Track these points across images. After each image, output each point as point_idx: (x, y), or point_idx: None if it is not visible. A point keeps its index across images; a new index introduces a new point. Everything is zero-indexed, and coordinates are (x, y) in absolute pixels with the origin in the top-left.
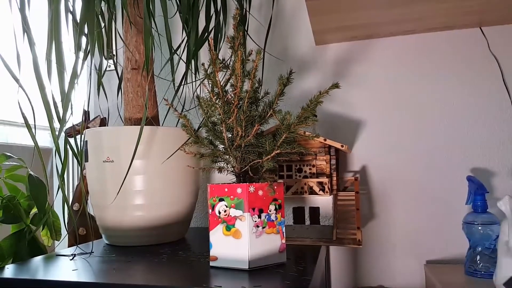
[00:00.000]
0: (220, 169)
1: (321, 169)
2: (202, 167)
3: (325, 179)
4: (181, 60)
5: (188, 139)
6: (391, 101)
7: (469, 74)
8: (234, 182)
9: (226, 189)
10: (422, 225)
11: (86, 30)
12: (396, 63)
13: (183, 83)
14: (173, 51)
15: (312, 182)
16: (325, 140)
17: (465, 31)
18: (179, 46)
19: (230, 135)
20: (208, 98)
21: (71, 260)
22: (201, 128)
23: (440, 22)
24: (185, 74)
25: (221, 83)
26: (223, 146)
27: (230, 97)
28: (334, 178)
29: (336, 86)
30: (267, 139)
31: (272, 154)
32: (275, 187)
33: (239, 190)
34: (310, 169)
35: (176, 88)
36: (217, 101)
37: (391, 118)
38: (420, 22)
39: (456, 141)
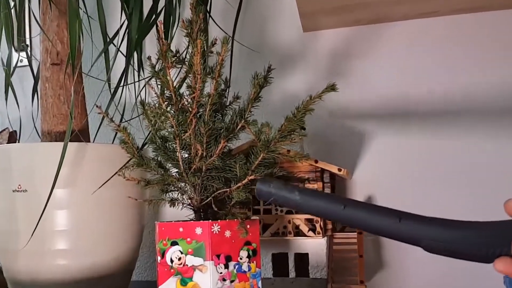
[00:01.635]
0: (172, 202)
1: None
2: (148, 199)
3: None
4: (119, 52)
5: (129, 160)
6: (406, 107)
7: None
8: (192, 220)
9: (181, 229)
10: (445, 276)
11: None
12: (411, 56)
13: (122, 84)
14: (108, 40)
15: (299, 220)
16: (316, 161)
17: (504, 13)
18: (117, 33)
19: (186, 155)
20: (157, 105)
21: None
22: (146, 146)
23: (471, 0)
24: (125, 71)
25: (174, 84)
26: (176, 170)
27: (186, 103)
28: None
29: (332, 88)
30: (238, 160)
31: (244, 181)
32: (248, 226)
33: (198, 231)
34: None
35: (112, 90)
36: (168, 109)
37: (406, 131)
38: (444, 0)
39: (496, 161)
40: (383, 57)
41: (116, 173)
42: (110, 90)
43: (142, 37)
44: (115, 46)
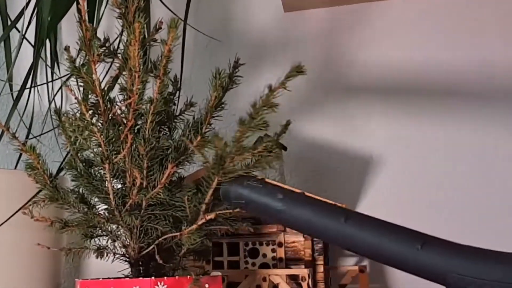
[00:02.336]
0: (100, 251)
1: (295, 251)
2: (65, 247)
3: (303, 271)
4: (24, 39)
5: (38, 192)
6: (413, 109)
7: None
8: (127, 276)
9: None
10: None
11: None
12: (413, 40)
13: (29, 85)
14: (9, 23)
15: (279, 276)
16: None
17: None
18: (21, 13)
19: (119, 186)
20: (78, 114)
21: None
22: (64, 172)
23: None
24: (33, 67)
25: (103, 85)
26: (106, 206)
27: (119, 111)
28: (321, 268)
29: (298, 70)
30: (185, 190)
31: (200, 222)
32: (207, 286)
33: None
34: (273, 250)
35: (15, 94)
36: (94, 120)
37: (430, 149)
38: None
39: None
40: (386, 41)
41: (19, 209)
42: (12, 95)
43: (57, 19)
44: (18, 31)
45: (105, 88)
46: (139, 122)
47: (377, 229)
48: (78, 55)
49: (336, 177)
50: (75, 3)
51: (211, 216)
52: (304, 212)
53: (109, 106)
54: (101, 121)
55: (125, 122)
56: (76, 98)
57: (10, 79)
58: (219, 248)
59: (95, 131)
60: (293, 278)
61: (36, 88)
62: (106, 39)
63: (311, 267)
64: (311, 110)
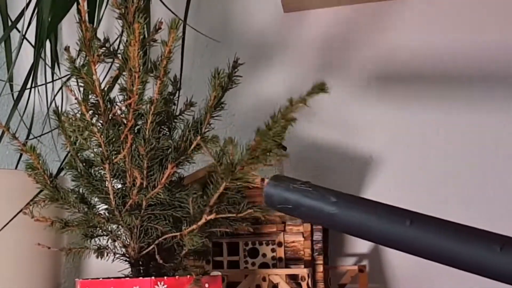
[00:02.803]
0: (100, 251)
1: (294, 251)
2: (65, 247)
3: (302, 270)
4: (25, 40)
5: (39, 192)
6: (433, 118)
7: None
8: (127, 276)
9: None
10: None
11: None
12: (421, 42)
13: (29, 86)
14: (10, 23)
15: (278, 276)
16: None
17: None
18: (22, 13)
19: (120, 186)
20: (78, 115)
21: None
22: (64, 173)
23: None
24: (34, 67)
25: (103, 86)
26: (106, 206)
27: (119, 111)
28: (321, 268)
29: (320, 88)
30: (191, 193)
31: (200, 222)
32: (207, 286)
33: None
34: (273, 250)
35: (16, 95)
36: (94, 120)
37: (431, 150)
38: None
39: None
40: (395, 44)
41: (21, 210)
42: (12, 95)
43: (57, 19)
44: (19, 31)
45: (105, 89)
46: (139, 122)
47: (448, 231)
48: (78, 55)
49: (336, 177)
50: (75, 4)
51: (211, 217)
52: (361, 215)
53: (109, 106)
54: (101, 121)
55: (125, 122)
56: (76, 98)
57: (10, 79)
58: (219, 248)
59: (95, 131)
60: (292, 278)
61: (36, 88)
62: (106, 40)
63: (311, 267)
64: (311, 110)
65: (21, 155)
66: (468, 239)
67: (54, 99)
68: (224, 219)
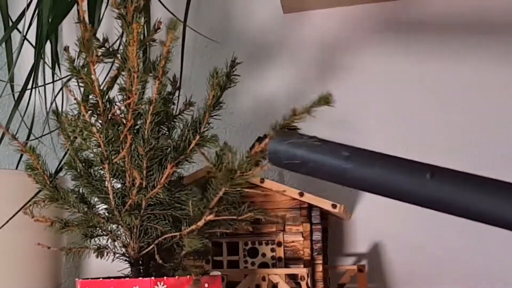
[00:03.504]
0: (100, 251)
1: (294, 251)
2: (65, 247)
3: (302, 270)
4: (25, 40)
5: (38, 192)
6: (433, 118)
7: None
8: (127, 275)
9: None
10: None
11: None
12: (427, 44)
13: (30, 87)
14: (11, 24)
15: (278, 276)
16: (301, 194)
17: None
18: (22, 14)
19: (119, 186)
20: (76, 115)
21: None
22: (64, 173)
23: None
24: (34, 68)
25: (102, 86)
26: (106, 206)
27: (118, 111)
28: (320, 268)
29: (325, 101)
30: (191, 195)
31: (199, 223)
32: (207, 286)
33: None
34: (272, 249)
35: (17, 94)
36: (93, 120)
37: (429, 151)
38: None
39: None
40: (397, 46)
41: (20, 210)
42: (13, 96)
43: (57, 20)
44: (20, 32)
45: (104, 89)
46: (138, 122)
47: (473, 185)
48: (78, 56)
49: None
50: (75, 5)
51: (210, 217)
52: (376, 170)
53: (108, 106)
54: (101, 121)
55: (124, 122)
56: (75, 98)
57: (11, 80)
58: (218, 248)
59: (95, 131)
60: (292, 278)
61: (37, 89)
62: (105, 40)
63: (310, 266)
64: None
65: (21, 155)
66: (492, 192)
67: (54, 99)
68: (225, 221)
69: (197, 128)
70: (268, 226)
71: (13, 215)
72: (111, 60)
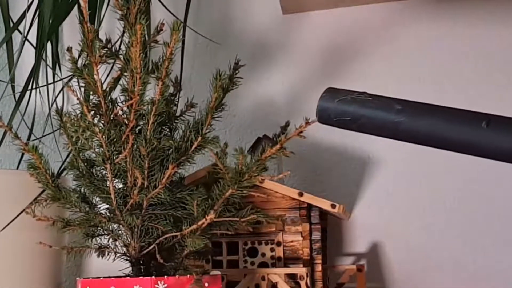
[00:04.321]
0: (101, 251)
1: (293, 250)
2: (67, 246)
3: (301, 270)
4: (26, 41)
5: (42, 192)
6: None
7: None
8: (128, 275)
9: None
10: None
11: None
12: (429, 45)
13: (30, 87)
14: (12, 24)
15: (277, 275)
16: (301, 195)
17: None
18: (24, 15)
19: (121, 186)
20: (79, 115)
21: None
22: (65, 173)
23: None
24: (35, 68)
25: (104, 86)
26: (107, 206)
27: (121, 112)
28: (319, 268)
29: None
30: (196, 196)
31: (200, 222)
32: (207, 285)
33: None
34: (272, 249)
35: (18, 95)
36: (95, 120)
37: (428, 150)
38: None
39: None
40: (397, 48)
41: (24, 210)
42: (14, 96)
43: (58, 21)
44: (21, 33)
45: (107, 89)
46: (141, 123)
47: None
48: (79, 56)
49: (334, 177)
50: (76, 6)
51: (211, 216)
52: (431, 121)
53: (110, 106)
54: (103, 122)
55: (126, 122)
56: (78, 98)
57: (12, 80)
58: (218, 246)
59: (97, 132)
60: (291, 277)
61: (38, 89)
62: (108, 41)
63: (309, 266)
64: (310, 111)
65: (22, 155)
66: None
67: (55, 100)
68: (227, 222)
69: (199, 129)
70: (267, 226)
71: (17, 216)
72: (113, 60)
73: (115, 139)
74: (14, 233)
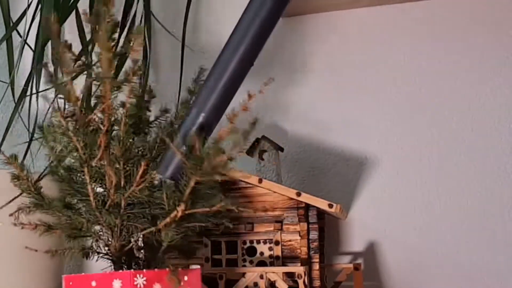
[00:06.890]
0: (85, 252)
1: (291, 249)
2: (51, 249)
3: (299, 268)
4: (26, 44)
5: (19, 194)
6: (426, 118)
7: None
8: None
9: (93, 283)
10: None
11: None
12: (433, 50)
13: (29, 92)
14: (11, 24)
15: (276, 274)
16: (299, 194)
17: None
18: (23, 14)
19: (99, 188)
20: (57, 123)
21: None
22: (44, 178)
23: None
24: (34, 71)
25: (78, 94)
26: (87, 208)
27: (96, 119)
28: (317, 266)
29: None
30: (165, 189)
31: (173, 215)
32: (186, 278)
33: (117, 284)
34: (270, 248)
35: (18, 97)
36: (70, 126)
37: (422, 154)
38: None
39: None
40: (394, 51)
41: (4, 206)
42: (14, 98)
43: (59, 21)
44: (20, 36)
45: (80, 97)
46: (115, 127)
47: None
48: (55, 66)
49: (332, 177)
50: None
51: (182, 208)
52: None
53: (84, 113)
54: (78, 127)
55: (101, 127)
56: (52, 106)
57: (12, 83)
58: (217, 245)
59: (71, 136)
60: (289, 276)
61: (37, 94)
62: (80, 54)
63: (307, 265)
64: (307, 112)
65: (25, 154)
66: None
67: (52, 104)
68: (202, 215)
69: (171, 129)
70: (265, 225)
71: (12, 213)
72: (86, 71)
73: (89, 143)
74: (14, 233)
